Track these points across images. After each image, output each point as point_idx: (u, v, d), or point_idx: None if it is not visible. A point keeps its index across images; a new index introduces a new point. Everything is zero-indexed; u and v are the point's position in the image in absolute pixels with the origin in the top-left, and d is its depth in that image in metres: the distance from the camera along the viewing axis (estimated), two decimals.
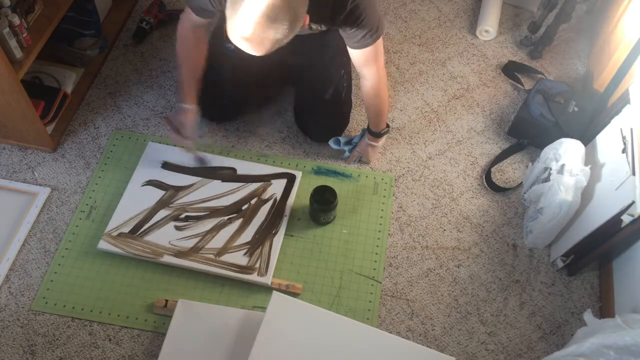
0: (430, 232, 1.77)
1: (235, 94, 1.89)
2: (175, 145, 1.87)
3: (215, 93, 1.86)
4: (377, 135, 1.79)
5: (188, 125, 1.70)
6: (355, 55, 1.56)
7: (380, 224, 1.77)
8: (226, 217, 1.72)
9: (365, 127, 1.82)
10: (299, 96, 1.94)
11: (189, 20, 1.58)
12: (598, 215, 1.54)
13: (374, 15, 1.45)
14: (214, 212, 1.73)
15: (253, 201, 1.76)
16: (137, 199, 1.74)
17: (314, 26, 1.48)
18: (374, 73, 1.60)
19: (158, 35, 2.20)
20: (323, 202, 1.69)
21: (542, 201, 1.64)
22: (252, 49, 1.25)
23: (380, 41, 1.52)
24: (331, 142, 1.87)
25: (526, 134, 1.93)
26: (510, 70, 2.14)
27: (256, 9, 1.16)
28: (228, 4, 1.21)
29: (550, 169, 1.65)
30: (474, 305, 1.64)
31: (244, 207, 1.75)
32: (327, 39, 1.56)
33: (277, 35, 1.21)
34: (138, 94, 2.03)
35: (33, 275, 1.64)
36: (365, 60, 1.56)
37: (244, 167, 1.83)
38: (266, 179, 1.81)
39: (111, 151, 1.88)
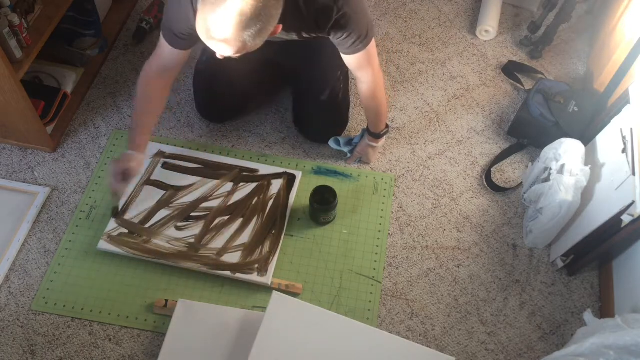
0: (430, 232, 1.77)
1: (234, 95, 1.88)
2: (175, 145, 1.87)
3: (215, 94, 1.87)
4: (377, 136, 1.79)
5: (134, 173, 1.61)
6: (349, 60, 1.55)
7: (380, 224, 1.77)
8: (226, 217, 1.72)
9: (365, 127, 1.82)
10: (296, 98, 1.94)
11: (159, 62, 1.54)
12: (598, 215, 1.53)
13: (361, 21, 1.44)
14: (214, 212, 1.73)
15: (253, 201, 1.76)
16: (137, 198, 1.75)
17: (286, 36, 1.47)
18: (370, 76, 1.59)
19: (158, 35, 2.19)
20: (323, 202, 1.69)
21: (542, 201, 1.64)
22: (220, 49, 1.23)
23: (372, 44, 1.51)
24: (331, 142, 1.87)
25: (526, 134, 1.93)
26: (510, 70, 2.14)
27: (229, 13, 1.15)
28: (201, 4, 1.19)
29: (550, 169, 1.65)
30: (474, 305, 1.64)
31: (244, 207, 1.75)
32: (321, 42, 1.55)
33: (246, 38, 1.19)
34: None
35: (33, 275, 1.64)
36: (359, 65, 1.56)
37: (243, 166, 1.83)
38: (266, 179, 1.81)
39: (111, 151, 1.88)
